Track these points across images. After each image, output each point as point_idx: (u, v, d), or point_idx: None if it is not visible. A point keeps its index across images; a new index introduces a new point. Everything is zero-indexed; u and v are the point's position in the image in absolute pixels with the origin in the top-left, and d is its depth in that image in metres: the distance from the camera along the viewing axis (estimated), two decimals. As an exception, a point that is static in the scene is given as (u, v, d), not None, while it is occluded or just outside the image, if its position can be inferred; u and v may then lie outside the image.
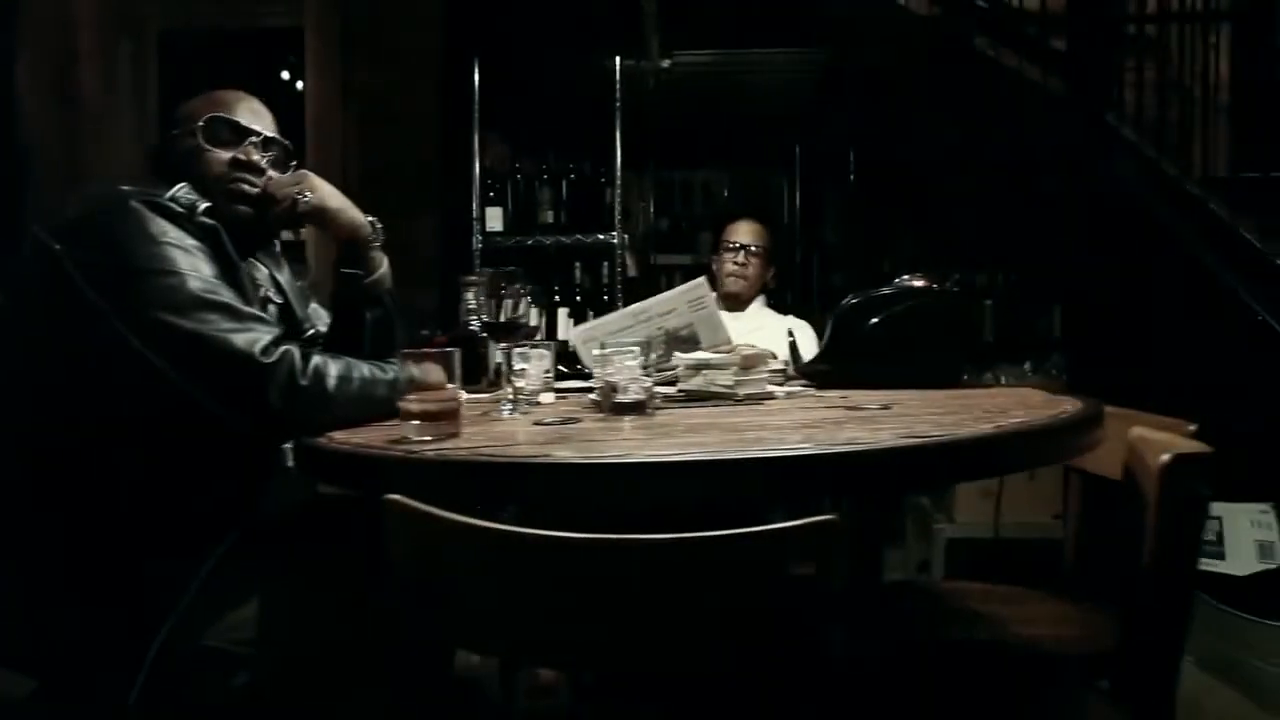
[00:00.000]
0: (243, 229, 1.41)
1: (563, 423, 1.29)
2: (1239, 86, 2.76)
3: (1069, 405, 1.26)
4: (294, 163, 1.52)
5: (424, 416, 1.13)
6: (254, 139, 1.43)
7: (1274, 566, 2.53)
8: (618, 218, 3.09)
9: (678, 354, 1.71)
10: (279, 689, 1.19)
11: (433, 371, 1.66)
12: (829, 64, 3.23)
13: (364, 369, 1.32)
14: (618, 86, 3.03)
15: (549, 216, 3.18)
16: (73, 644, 1.18)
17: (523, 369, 1.64)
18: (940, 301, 1.73)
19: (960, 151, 3.22)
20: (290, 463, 1.31)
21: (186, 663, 1.15)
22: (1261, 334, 2.00)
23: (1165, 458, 0.95)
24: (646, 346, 1.39)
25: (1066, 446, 1.11)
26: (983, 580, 1.82)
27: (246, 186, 1.41)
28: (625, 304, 2.62)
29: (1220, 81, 2.40)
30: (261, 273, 1.53)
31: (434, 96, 3.22)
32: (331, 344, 1.54)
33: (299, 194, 1.41)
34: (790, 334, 1.87)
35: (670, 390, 1.62)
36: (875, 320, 1.70)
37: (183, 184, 1.31)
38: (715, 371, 1.56)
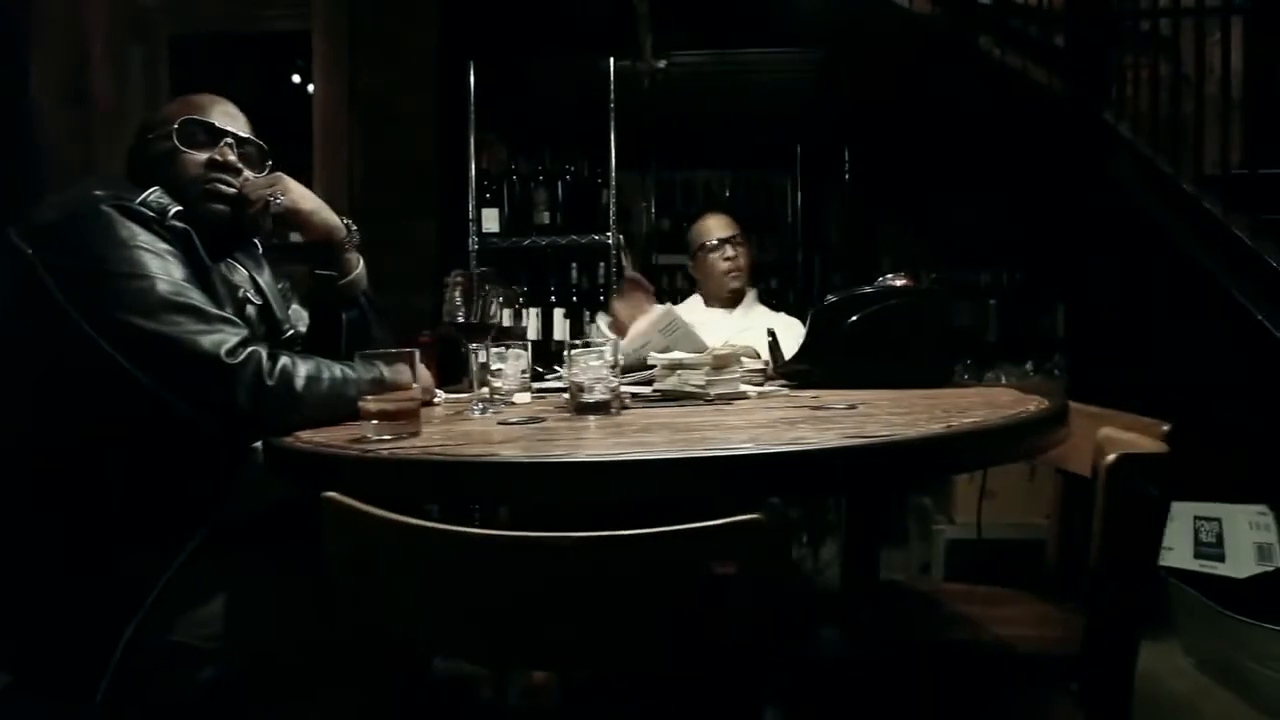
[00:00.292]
0: (217, 231, 1.43)
1: (527, 422, 1.30)
2: (1249, 82, 2.72)
3: (1034, 405, 1.26)
4: (269, 164, 1.55)
5: (382, 416, 1.15)
6: (229, 140, 1.45)
7: (1272, 569, 2.49)
8: (612, 218, 3.10)
9: (653, 354, 1.72)
10: (246, 684, 1.21)
11: (405, 372, 1.68)
12: (826, 63, 3.22)
13: (335, 369, 1.33)
14: (612, 88, 3.03)
15: (545, 217, 3.19)
16: (43, 639, 1.20)
17: (499, 369, 1.66)
18: (917, 301, 1.72)
19: (960, 150, 3.20)
20: (262, 462, 1.33)
21: (154, 658, 1.17)
22: (1255, 333, 1.98)
23: (1111, 457, 0.94)
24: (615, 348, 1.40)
25: (1022, 446, 1.10)
26: (982, 581, 1.82)
27: (223, 186, 1.43)
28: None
29: (1214, 77, 2.37)
30: (241, 274, 1.55)
31: (431, 99, 3.25)
32: (310, 345, 1.56)
33: (272, 196, 1.44)
34: (770, 333, 1.86)
35: (646, 390, 1.63)
36: (851, 320, 1.69)
37: (154, 188, 1.33)
38: (688, 371, 1.57)
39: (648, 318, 2.20)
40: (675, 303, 2.80)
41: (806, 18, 3.03)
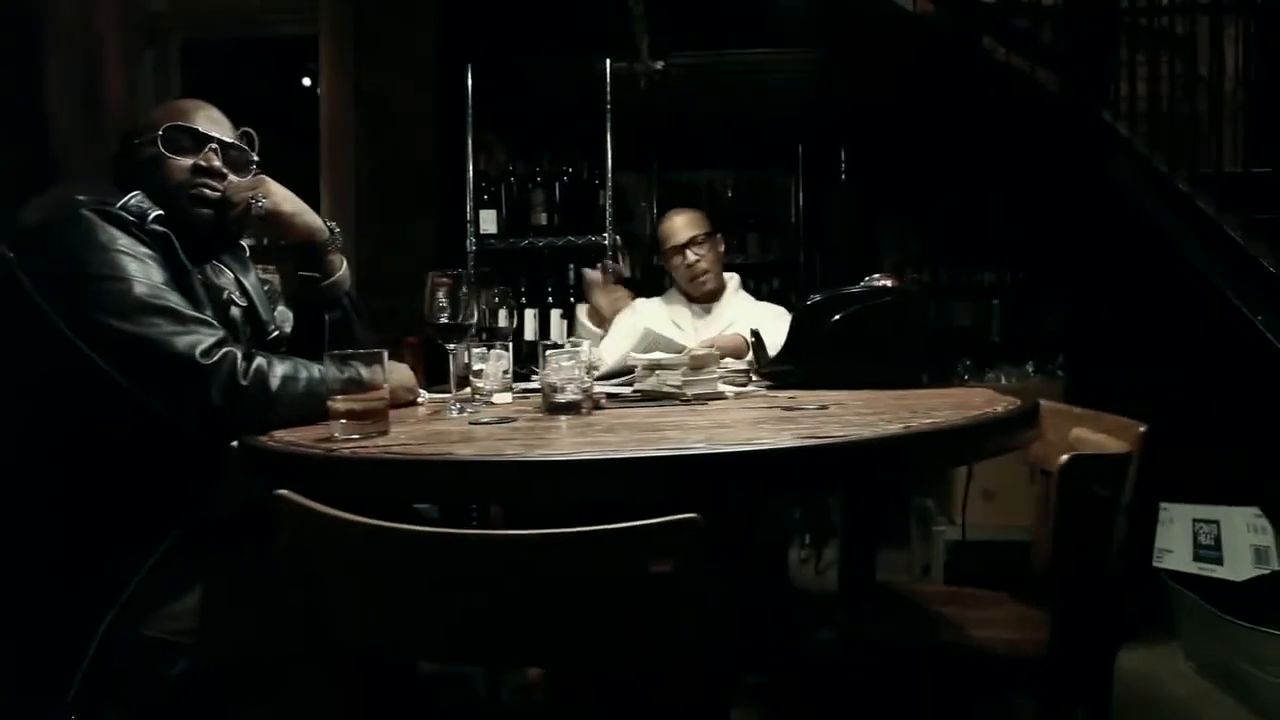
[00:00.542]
0: (201, 234, 1.46)
1: (498, 422, 1.32)
2: (1260, 80, 2.69)
3: (1001, 406, 1.25)
4: (254, 167, 1.57)
5: (350, 416, 1.16)
6: (213, 145, 1.47)
7: (1269, 572, 2.47)
8: (609, 219, 3.11)
9: (633, 354, 1.73)
10: (219, 679, 1.23)
11: (395, 370, 1.70)
12: (824, 63, 3.22)
13: (313, 369, 1.35)
14: (608, 89, 3.05)
15: (542, 218, 3.21)
16: (17, 637, 1.23)
17: (480, 369, 1.67)
18: (898, 302, 1.72)
19: (960, 150, 3.19)
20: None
21: (127, 653, 1.20)
22: (1248, 335, 1.96)
23: (1063, 458, 0.94)
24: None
25: (982, 447, 1.10)
26: (982, 583, 1.81)
27: (208, 191, 1.46)
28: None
29: (1218, 75, 2.35)
30: (227, 277, 1.57)
31: (429, 100, 3.27)
32: (294, 345, 1.59)
33: (253, 198, 1.46)
34: (754, 333, 1.86)
35: (627, 390, 1.64)
36: (832, 321, 1.69)
37: (136, 192, 1.35)
38: (666, 372, 1.58)
39: (626, 336, 2.20)
40: (660, 293, 2.79)
41: (803, 18, 3.03)
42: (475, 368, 1.67)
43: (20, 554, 1.25)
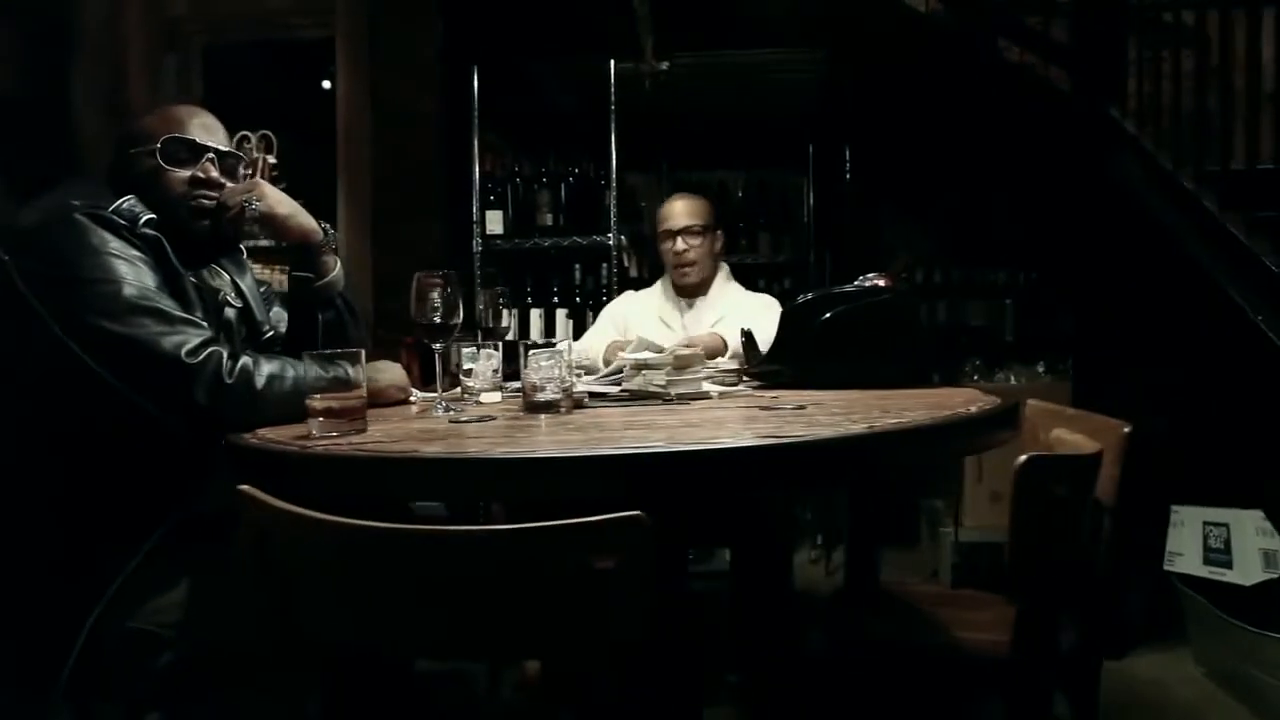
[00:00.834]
0: (195, 238, 1.49)
1: (478, 421, 1.34)
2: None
3: (976, 406, 1.25)
4: (248, 171, 1.60)
5: (327, 414, 1.19)
6: (210, 155, 1.50)
7: (1277, 576, 2.42)
8: (613, 219, 3.12)
9: (621, 354, 1.74)
10: (204, 669, 1.26)
11: (388, 370, 1.73)
12: (831, 62, 3.21)
13: (300, 368, 1.38)
14: (612, 90, 3.06)
15: (548, 219, 3.23)
16: (8, 629, 1.27)
17: (469, 369, 1.70)
18: (887, 301, 1.71)
19: (970, 148, 3.16)
20: (227, 459, 1.38)
21: (114, 644, 1.23)
22: (1251, 334, 1.93)
23: (1021, 459, 0.94)
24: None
25: (951, 447, 1.10)
26: (989, 585, 1.80)
27: (206, 201, 1.49)
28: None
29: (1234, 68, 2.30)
30: (223, 279, 1.61)
31: (436, 102, 3.31)
32: (289, 345, 1.62)
33: (247, 201, 1.49)
34: (744, 333, 1.87)
35: (615, 390, 1.65)
36: (820, 320, 1.70)
37: (129, 197, 1.39)
38: (652, 371, 1.59)
39: (607, 324, 2.19)
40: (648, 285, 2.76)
41: (807, 17, 3.02)
42: (465, 367, 1.70)
43: (12, 548, 1.29)
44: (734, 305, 2.52)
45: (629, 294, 2.73)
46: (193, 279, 1.46)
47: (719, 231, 2.63)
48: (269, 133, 3.55)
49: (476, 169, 3.18)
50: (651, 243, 2.85)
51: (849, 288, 1.84)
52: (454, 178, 3.26)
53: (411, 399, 1.72)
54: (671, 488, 0.89)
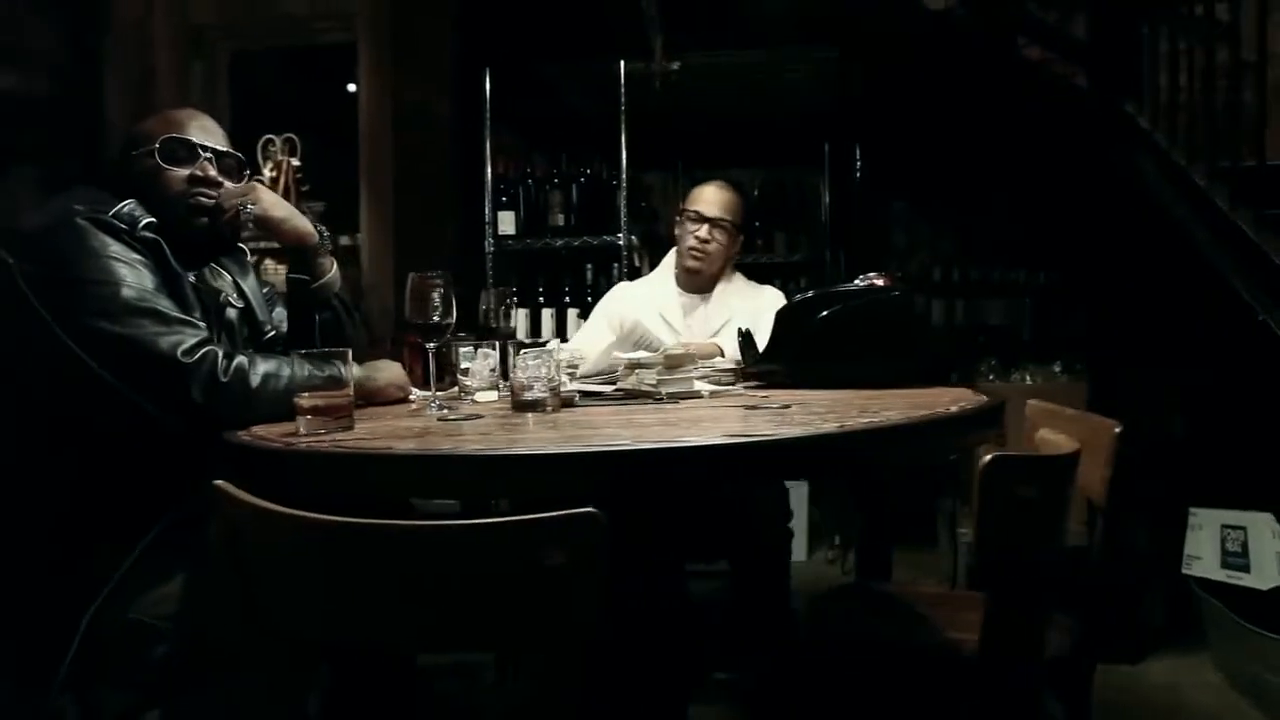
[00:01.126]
0: (195, 240, 1.53)
1: (465, 419, 1.36)
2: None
3: (960, 405, 1.24)
4: (247, 173, 1.64)
5: (314, 411, 1.22)
6: (207, 155, 1.54)
7: (1294, 580, 2.37)
8: (623, 219, 3.14)
9: (616, 353, 1.76)
10: (200, 660, 1.29)
11: (387, 369, 1.76)
12: (843, 62, 3.19)
13: (296, 367, 1.41)
14: (622, 90, 3.08)
15: (560, 219, 3.26)
16: (10, 621, 1.31)
17: (467, 367, 1.72)
18: (882, 301, 1.71)
19: (985, 147, 3.13)
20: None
21: (111, 635, 1.27)
22: (1261, 334, 1.89)
23: (985, 459, 0.94)
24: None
25: (927, 446, 1.10)
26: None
27: (204, 200, 1.53)
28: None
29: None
30: (225, 279, 1.65)
31: (449, 104, 3.35)
32: (289, 346, 1.65)
33: (242, 204, 1.53)
34: (741, 332, 1.87)
35: (608, 389, 1.67)
36: (815, 320, 1.69)
37: (130, 200, 1.43)
38: (644, 371, 1.60)
39: (601, 320, 2.19)
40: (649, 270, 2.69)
41: (817, 16, 3.01)
42: (463, 366, 1.72)
43: (14, 544, 1.33)
44: (740, 308, 2.46)
45: (624, 287, 2.65)
46: (192, 280, 1.50)
47: (741, 236, 2.55)
48: (293, 136, 3.62)
49: (489, 170, 3.22)
50: (666, 239, 2.85)
51: (846, 287, 1.84)
52: (467, 179, 3.30)
53: (410, 397, 1.74)
54: (632, 485, 0.90)
